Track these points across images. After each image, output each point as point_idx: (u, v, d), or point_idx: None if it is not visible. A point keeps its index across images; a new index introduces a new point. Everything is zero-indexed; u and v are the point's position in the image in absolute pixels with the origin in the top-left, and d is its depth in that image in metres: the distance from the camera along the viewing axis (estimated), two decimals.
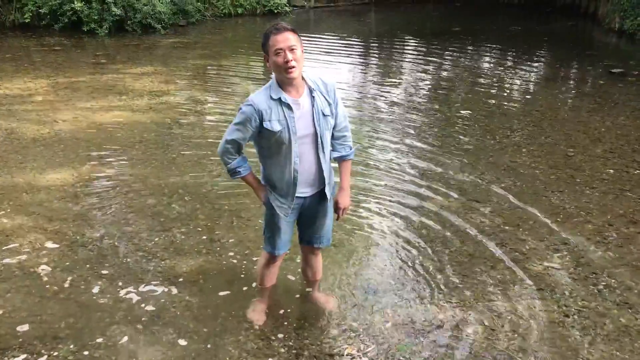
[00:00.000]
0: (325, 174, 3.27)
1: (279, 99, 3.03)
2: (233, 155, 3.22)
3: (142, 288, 3.92)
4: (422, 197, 5.38)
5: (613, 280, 4.09)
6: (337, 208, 3.42)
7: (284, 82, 3.04)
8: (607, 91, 9.10)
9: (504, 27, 16.23)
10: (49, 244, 4.44)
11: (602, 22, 15.25)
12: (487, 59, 12.04)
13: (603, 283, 4.06)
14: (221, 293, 3.87)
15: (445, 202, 5.28)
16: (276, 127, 3.03)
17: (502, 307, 3.77)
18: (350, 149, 3.40)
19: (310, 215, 3.45)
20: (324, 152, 3.20)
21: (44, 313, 3.66)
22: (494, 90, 9.37)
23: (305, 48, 3.19)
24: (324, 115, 3.14)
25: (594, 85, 9.76)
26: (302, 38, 3.15)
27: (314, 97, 3.11)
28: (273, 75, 3.11)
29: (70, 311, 3.68)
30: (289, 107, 3.04)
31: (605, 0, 15.48)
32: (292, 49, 2.94)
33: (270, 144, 3.12)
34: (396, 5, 18.92)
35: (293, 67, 2.94)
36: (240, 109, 3.09)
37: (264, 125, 3.02)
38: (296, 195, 3.25)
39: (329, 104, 3.19)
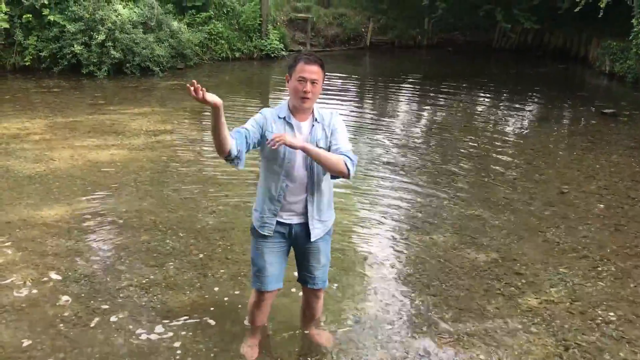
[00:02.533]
0: (310, 207, 3.24)
1: (284, 117, 3.18)
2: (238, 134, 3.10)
3: (134, 323, 3.86)
4: (417, 231, 5.36)
5: (611, 314, 4.05)
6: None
7: (296, 107, 3.17)
8: (600, 130, 9.21)
9: (496, 71, 16.56)
10: (42, 280, 4.38)
11: (593, 65, 15.56)
12: (481, 100, 12.20)
13: (601, 317, 4.02)
14: (214, 328, 3.81)
15: (441, 237, 5.27)
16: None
17: (499, 340, 3.72)
18: (345, 154, 3.15)
19: (301, 252, 3.43)
20: (313, 182, 3.20)
21: (34, 349, 3.60)
22: (487, 130, 9.47)
23: None
24: (318, 146, 3.15)
25: (586, 125, 9.89)
26: None
27: (313, 125, 3.21)
28: (288, 100, 3.25)
29: (60, 346, 3.61)
30: (291, 127, 3.17)
31: (595, 44, 15.83)
32: (314, 82, 3.09)
33: (267, 156, 3.22)
34: (390, 50, 19.27)
35: (309, 98, 3.10)
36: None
37: (265, 135, 3.13)
38: (281, 220, 3.25)
39: (326, 137, 3.20)
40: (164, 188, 6.35)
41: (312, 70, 3.08)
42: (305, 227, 3.30)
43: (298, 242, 3.37)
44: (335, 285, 4.35)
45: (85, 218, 5.50)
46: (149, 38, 13.34)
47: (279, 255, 3.39)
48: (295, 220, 3.28)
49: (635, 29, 12.62)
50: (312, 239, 3.32)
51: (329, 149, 3.16)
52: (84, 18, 12.78)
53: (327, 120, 3.24)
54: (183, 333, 3.75)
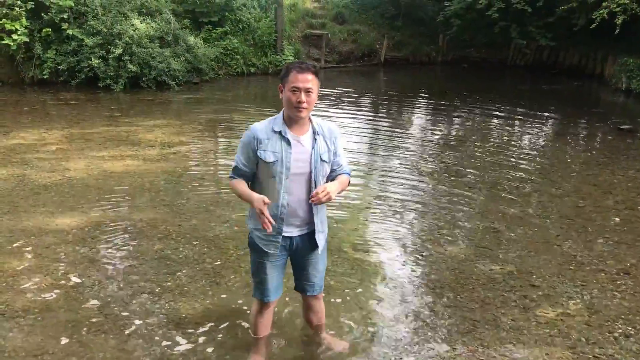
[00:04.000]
0: (316, 219, 3.22)
1: (280, 132, 3.07)
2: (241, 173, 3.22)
3: (146, 330, 3.85)
4: (432, 243, 5.32)
5: (630, 328, 3.97)
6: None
7: (290, 118, 3.08)
8: (617, 146, 9.12)
9: (511, 87, 16.51)
10: (56, 286, 4.40)
11: (609, 82, 15.47)
12: (496, 115, 12.15)
13: (619, 330, 3.95)
14: (226, 336, 3.79)
15: (456, 249, 5.22)
16: (269, 158, 3.04)
17: (515, 353, 3.66)
18: (348, 172, 3.34)
19: (300, 262, 3.39)
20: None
21: (46, 353, 3.60)
22: (503, 144, 9.40)
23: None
24: (321, 160, 3.14)
25: (603, 141, 9.80)
26: None
27: (316, 139, 3.13)
28: (282, 110, 3.15)
29: (73, 352, 3.61)
30: (288, 143, 3.07)
31: (611, 62, 15.76)
32: (308, 91, 2.99)
33: (263, 175, 3.13)
34: (404, 67, 19.30)
35: (304, 108, 3.00)
36: (245, 134, 3.15)
37: (258, 154, 3.05)
38: (284, 234, 3.20)
39: (329, 150, 3.19)
40: (178, 198, 6.36)
41: (306, 79, 2.98)
42: (306, 238, 3.26)
43: (298, 253, 3.32)
44: (349, 295, 4.31)
45: (99, 226, 5.52)
46: (165, 52, 13.49)
47: (279, 268, 3.36)
48: (295, 232, 3.24)
49: None
50: (319, 250, 3.31)
51: (330, 163, 3.23)
52: (101, 32, 12.98)
53: (328, 133, 3.20)
54: (195, 340, 3.73)
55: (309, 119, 3.15)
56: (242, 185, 3.17)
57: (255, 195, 3.03)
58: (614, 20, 13.54)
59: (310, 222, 3.23)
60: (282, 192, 3.09)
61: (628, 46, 14.98)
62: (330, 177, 3.25)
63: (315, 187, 3.09)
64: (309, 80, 2.99)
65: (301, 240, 3.27)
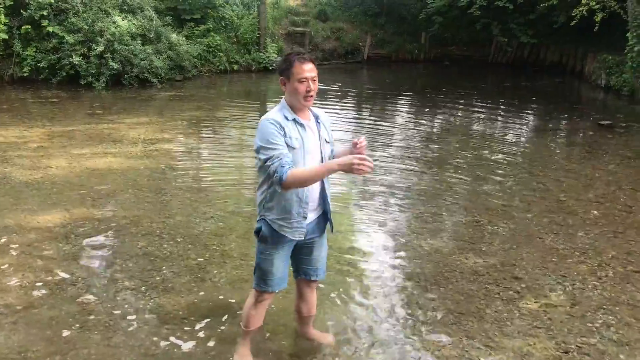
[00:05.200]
0: (328, 200, 3.33)
1: (294, 119, 3.13)
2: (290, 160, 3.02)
3: (130, 326, 3.83)
4: (416, 236, 5.35)
5: (611, 318, 4.03)
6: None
7: (296, 107, 3.15)
8: (597, 141, 9.25)
9: (493, 84, 16.66)
10: (39, 283, 4.35)
11: (589, 79, 15.67)
12: (478, 111, 12.23)
13: (600, 321, 4.01)
14: (211, 331, 3.78)
15: (440, 242, 5.26)
16: (295, 144, 3.08)
17: (499, 343, 3.70)
18: None
19: (309, 247, 3.41)
20: (327, 177, 3.20)
21: (29, 350, 3.56)
22: (486, 140, 9.49)
23: None
24: (326, 141, 3.28)
25: (584, 136, 9.93)
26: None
27: (319, 123, 3.26)
28: (283, 99, 3.20)
29: (57, 349, 3.58)
30: (303, 127, 3.15)
31: (591, 59, 15.95)
32: (314, 80, 3.12)
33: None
34: (387, 64, 19.37)
35: (312, 96, 3.12)
36: (263, 127, 3.05)
37: (286, 141, 3.04)
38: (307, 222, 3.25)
39: (328, 133, 3.34)
40: (161, 194, 6.33)
41: (312, 68, 3.11)
42: (317, 221, 3.33)
43: (307, 238, 3.32)
44: (333, 288, 4.33)
45: (82, 223, 5.47)
46: (147, 50, 13.40)
47: (286, 258, 3.39)
48: (313, 216, 3.29)
49: (629, 43, 12.75)
50: (332, 229, 3.43)
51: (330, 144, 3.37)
52: (82, 29, 12.86)
53: (323, 118, 3.36)
54: (180, 335, 3.72)
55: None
56: (305, 169, 3.03)
57: (334, 161, 2.92)
58: (593, 17, 13.71)
59: (321, 204, 3.31)
60: None
61: (607, 43, 15.18)
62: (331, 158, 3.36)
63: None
64: (313, 69, 3.13)
65: (313, 223, 3.32)
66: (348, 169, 2.82)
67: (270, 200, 3.19)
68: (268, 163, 2.99)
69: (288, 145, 3.04)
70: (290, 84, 3.11)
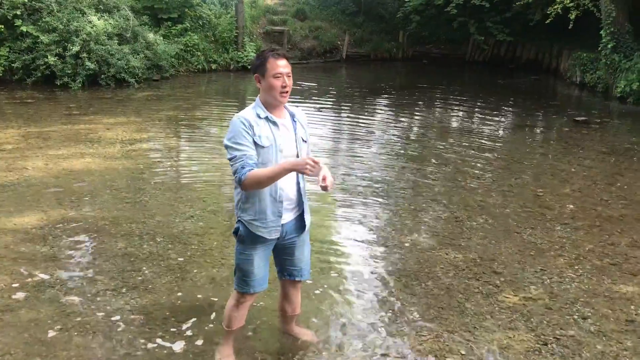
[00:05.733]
0: (304, 199, 3.31)
1: (266, 117, 3.12)
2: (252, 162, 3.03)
3: (111, 328, 3.79)
4: (396, 233, 5.39)
5: (588, 310, 4.10)
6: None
7: (271, 104, 3.15)
8: (573, 137, 9.40)
9: (470, 82, 16.82)
10: (15, 285, 4.29)
11: (564, 76, 15.91)
12: (456, 109, 12.35)
13: (578, 313, 4.07)
14: (192, 330, 3.76)
15: (420, 238, 5.30)
16: (265, 142, 3.07)
17: (479, 337, 3.74)
18: None
19: (289, 248, 3.41)
20: (303, 177, 3.22)
21: (7, 354, 3.50)
22: (464, 137, 9.57)
23: None
24: (303, 140, 3.27)
25: (559, 132, 10.08)
26: None
27: (295, 121, 3.24)
28: (258, 97, 3.20)
29: (35, 351, 3.53)
30: (276, 126, 3.14)
31: (566, 56, 16.19)
32: (289, 75, 3.11)
33: (257, 163, 3.08)
34: (365, 63, 19.44)
35: (287, 92, 3.11)
36: (232, 125, 3.07)
37: (254, 140, 3.05)
38: (282, 222, 3.24)
39: (305, 132, 3.33)
40: (140, 195, 6.28)
41: (286, 64, 3.12)
42: (294, 221, 3.32)
43: (286, 238, 3.34)
44: (314, 286, 4.33)
45: (60, 225, 5.40)
46: (124, 49, 13.27)
47: (266, 258, 3.38)
48: (288, 217, 3.28)
49: (603, 41, 12.97)
50: (307, 227, 3.39)
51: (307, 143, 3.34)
52: (57, 29, 12.68)
53: (299, 116, 3.33)
54: (162, 336, 3.69)
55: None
56: (263, 169, 3.01)
57: (288, 161, 2.98)
58: (568, 15, 13.92)
59: (299, 204, 3.31)
60: None
61: (582, 41, 15.42)
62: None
63: None
64: (287, 65, 3.13)
65: (291, 224, 3.32)
66: (300, 169, 2.89)
67: (246, 201, 3.20)
68: (231, 163, 3.05)
69: (257, 144, 3.04)
70: (265, 81, 3.11)
